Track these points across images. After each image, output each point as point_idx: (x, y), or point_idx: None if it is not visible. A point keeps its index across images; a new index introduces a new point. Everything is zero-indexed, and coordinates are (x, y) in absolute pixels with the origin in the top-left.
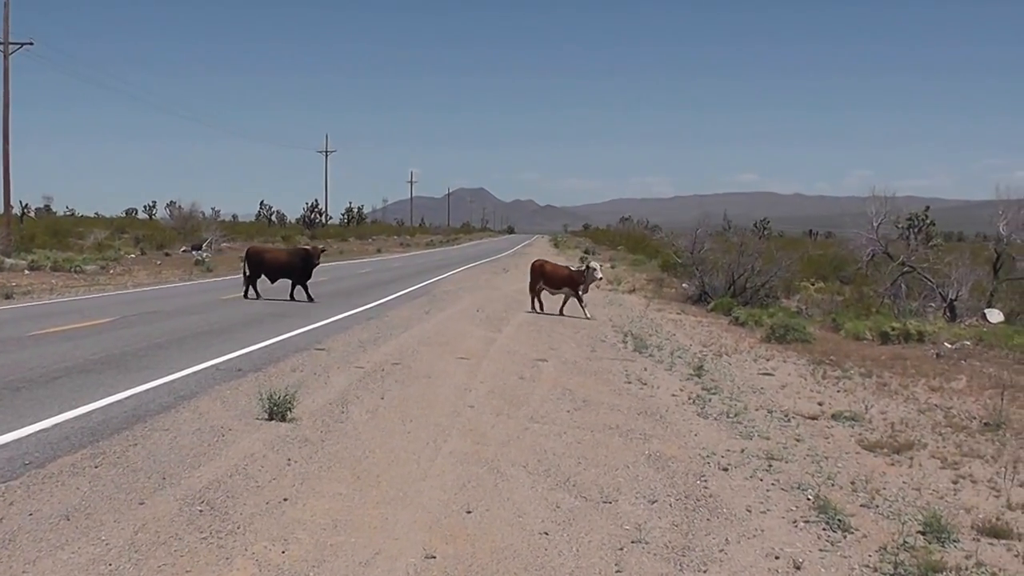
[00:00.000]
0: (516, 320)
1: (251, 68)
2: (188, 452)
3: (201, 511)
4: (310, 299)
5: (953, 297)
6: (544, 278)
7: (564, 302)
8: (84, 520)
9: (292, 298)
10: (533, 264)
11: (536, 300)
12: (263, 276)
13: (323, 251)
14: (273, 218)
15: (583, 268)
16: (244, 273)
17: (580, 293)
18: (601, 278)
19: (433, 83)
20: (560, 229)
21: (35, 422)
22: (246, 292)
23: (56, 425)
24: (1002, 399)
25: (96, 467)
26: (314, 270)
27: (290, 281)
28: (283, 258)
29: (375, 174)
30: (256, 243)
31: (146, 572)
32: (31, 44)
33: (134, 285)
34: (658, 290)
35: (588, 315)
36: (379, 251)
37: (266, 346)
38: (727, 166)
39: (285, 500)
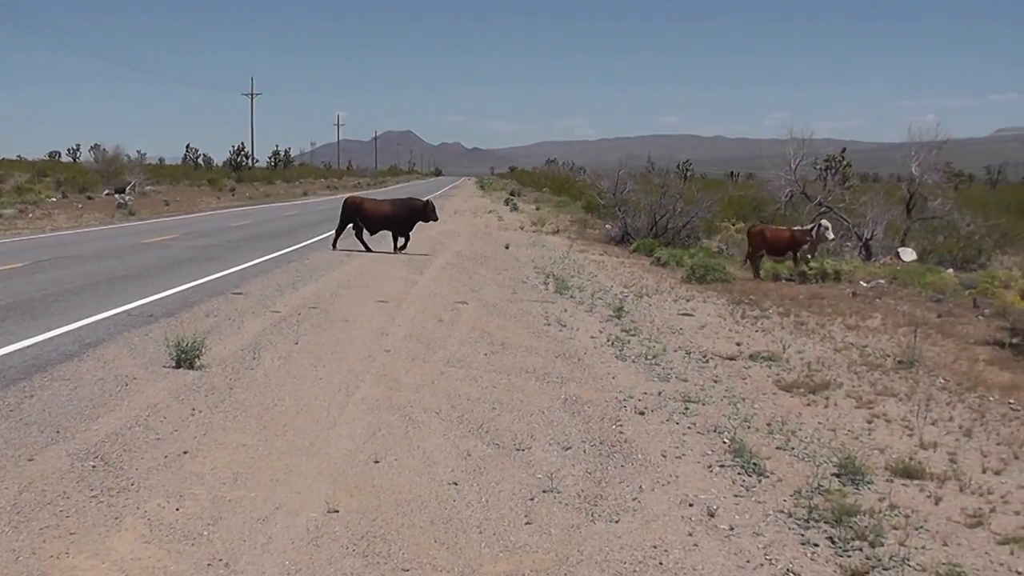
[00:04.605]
0: (439, 262)
1: (176, 9)
2: (87, 403)
3: (94, 467)
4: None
5: (868, 237)
6: (766, 245)
7: (797, 263)
8: None
9: (396, 250)
10: (750, 230)
11: (756, 267)
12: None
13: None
14: (200, 161)
15: (809, 228)
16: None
17: (809, 255)
18: (833, 238)
19: (360, 26)
20: (487, 171)
21: None
22: (364, 245)
23: None
24: (915, 337)
25: None
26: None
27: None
28: (387, 209)
29: (302, 117)
30: (356, 195)
31: (27, 535)
32: None
33: (52, 229)
34: (581, 231)
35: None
36: (305, 194)
37: (182, 291)
38: (651, 109)
39: (185, 453)
